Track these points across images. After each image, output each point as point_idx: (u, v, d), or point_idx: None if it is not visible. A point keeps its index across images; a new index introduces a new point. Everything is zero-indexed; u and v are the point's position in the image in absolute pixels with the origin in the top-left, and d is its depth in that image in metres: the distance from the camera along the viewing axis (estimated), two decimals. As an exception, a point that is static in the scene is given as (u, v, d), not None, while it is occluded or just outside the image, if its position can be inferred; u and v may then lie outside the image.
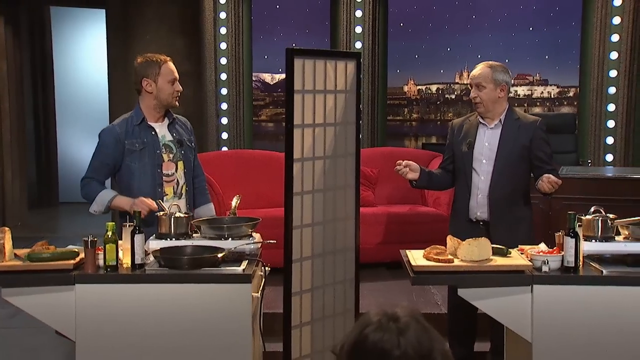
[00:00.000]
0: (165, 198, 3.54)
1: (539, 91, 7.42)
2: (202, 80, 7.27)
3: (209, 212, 3.80)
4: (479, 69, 3.77)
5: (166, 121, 3.66)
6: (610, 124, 6.91)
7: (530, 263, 3.08)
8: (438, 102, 7.63)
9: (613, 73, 6.86)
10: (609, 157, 6.93)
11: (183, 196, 3.66)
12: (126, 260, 3.04)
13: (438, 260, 3.09)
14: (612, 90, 6.88)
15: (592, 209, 3.22)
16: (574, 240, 3.01)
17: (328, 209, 3.59)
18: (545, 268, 3.03)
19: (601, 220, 3.16)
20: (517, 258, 3.16)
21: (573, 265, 3.03)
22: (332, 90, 3.58)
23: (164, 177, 3.58)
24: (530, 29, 7.30)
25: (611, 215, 3.21)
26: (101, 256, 3.02)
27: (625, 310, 3.00)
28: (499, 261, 3.11)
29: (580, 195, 4.86)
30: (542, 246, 3.22)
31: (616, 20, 6.81)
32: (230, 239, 3.21)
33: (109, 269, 3.00)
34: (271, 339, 3.54)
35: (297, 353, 3.48)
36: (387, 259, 5.31)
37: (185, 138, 3.70)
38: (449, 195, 4.57)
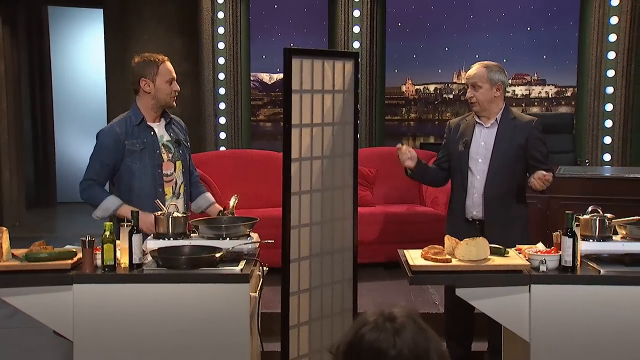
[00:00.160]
0: (164, 198, 3.54)
1: (536, 91, 7.43)
2: (200, 80, 7.27)
3: (207, 201, 3.77)
4: (475, 69, 3.77)
5: (163, 121, 3.65)
6: (608, 123, 6.93)
7: (528, 263, 3.08)
8: (436, 102, 7.63)
9: (611, 73, 6.87)
10: (607, 157, 6.94)
11: (181, 196, 3.65)
12: (124, 260, 3.04)
13: (436, 260, 3.09)
14: (609, 90, 6.89)
15: (590, 209, 3.22)
16: (571, 239, 3.01)
17: (326, 209, 3.60)
18: (543, 268, 3.03)
19: (599, 219, 3.17)
20: (514, 258, 3.16)
21: (571, 264, 3.03)
22: (330, 90, 3.58)
23: (164, 177, 3.58)
24: (528, 28, 7.31)
25: (609, 215, 3.21)
26: (99, 256, 3.01)
27: (623, 310, 3.00)
28: (496, 261, 3.11)
29: (577, 195, 4.87)
30: (540, 246, 3.23)
31: (614, 20, 6.82)
32: (228, 238, 3.21)
33: (106, 269, 2.99)
34: (269, 338, 3.54)
35: (295, 353, 3.49)
36: (385, 258, 5.31)
37: (182, 138, 3.70)
38: (447, 195, 4.56)
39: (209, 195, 3.82)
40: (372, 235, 5.33)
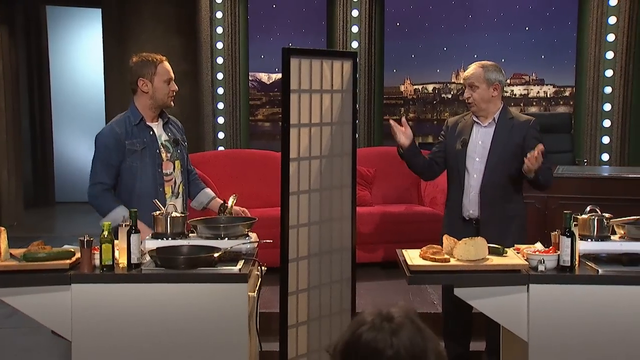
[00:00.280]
0: (165, 197, 3.54)
1: (535, 91, 7.43)
2: (198, 79, 7.27)
3: (208, 196, 3.77)
4: (472, 69, 3.77)
5: (161, 121, 3.65)
6: (606, 123, 6.93)
7: (526, 262, 3.08)
8: (434, 102, 7.63)
9: (609, 73, 6.88)
10: (605, 157, 6.94)
11: (180, 195, 3.65)
12: (122, 260, 3.04)
13: (434, 260, 3.09)
14: (608, 89, 6.90)
15: (588, 209, 3.23)
16: (570, 239, 3.02)
17: (324, 209, 3.60)
18: (541, 267, 3.03)
19: (597, 219, 3.17)
20: (513, 257, 3.16)
21: (569, 264, 3.03)
22: (329, 90, 3.58)
23: (164, 177, 3.58)
24: (527, 28, 7.30)
25: (607, 215, 3.21)
26: (97, 256, 3.01)
27: (621, 310, 3.00)
28: (495, 260, 3.11)
29: (576, 195, 4.87)
30: (538, 245, 3.23)
31: (612, 20, 6.83)
32: (226, 238, 3.21)
33: (105, 269, 2.99)
34: (267, 338, 3.54)
35: (294, 353, 3.48)
36: (384, 258, 5.31)
37: (179, 137, 3.70)
38: (445, 195, 4.57)
39: (209, 190, 3.83)
40: (370, 235, 5.33)
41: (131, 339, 2.98)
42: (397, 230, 5.38)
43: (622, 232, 3.23)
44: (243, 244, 3.20)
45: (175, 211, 3.26)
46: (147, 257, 3.10)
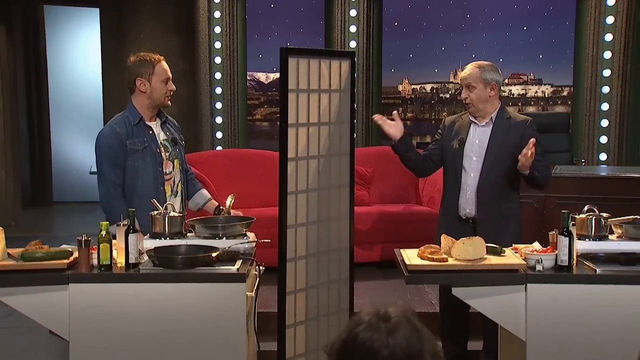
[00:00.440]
0: (165, 196, 3.53)
1: (533, 90, 7.43)
2: (196, 79, 7.27)
3: (204, 198, 3.77)
4: (468, 69, 3.77)
5: (159, 121, 3.65)
6: (604, 123, 6.94)
7: (524, 262, 3.09)
8: (432, 102, 7.63)
9: (607, 72, 6.89)
10: (603, 156, 6.95)
11: (178, 194, 3.66)
12: (120, 260, 3.04)
13: (432, 259, 3.10)
14: (605, 89, 6.90)
15: (586, 208, 3.23)
16: (567, 239, 3.02)
17: (322, 208, 3.59)
18: (539, 267, 3.04)
19: (595, 219, 3.17)
20: (511, 257, 3.16)
21: (567, 264, 3.03)
22: (327, 90, 3.58)
23: (164, 176, 3.58)
24: (524, 28, 7.31)
25: (605, 214, 3.22)
26: (95, 255, 3.01)
27: (619, 309, 3.01)
28: (493, 260, 3.11)
29: (573, 194, 4.87)
30: (536, 245, 3.23)
31: (610, 19, 6.83)
32: (224, 238, 3.21)
33: (103, 269, 2.99)
34: (265, 338, 3.54)
35: (292, 352, 3.48)
36: (382, 258, 5.31)
37: (177, 136, 3.70)
38: (443, 194, 4.57)
39: (205, 192, 3.83)
40: (368, 234, 5.33)
41: (129, 339, 2.98)
42: (395, 229, 5.39)
43: (620, 231, 3.23)
44: (241, 243, 3.20)
45: (173, 211, 3.26)
46: (145, 257, 3.10)
